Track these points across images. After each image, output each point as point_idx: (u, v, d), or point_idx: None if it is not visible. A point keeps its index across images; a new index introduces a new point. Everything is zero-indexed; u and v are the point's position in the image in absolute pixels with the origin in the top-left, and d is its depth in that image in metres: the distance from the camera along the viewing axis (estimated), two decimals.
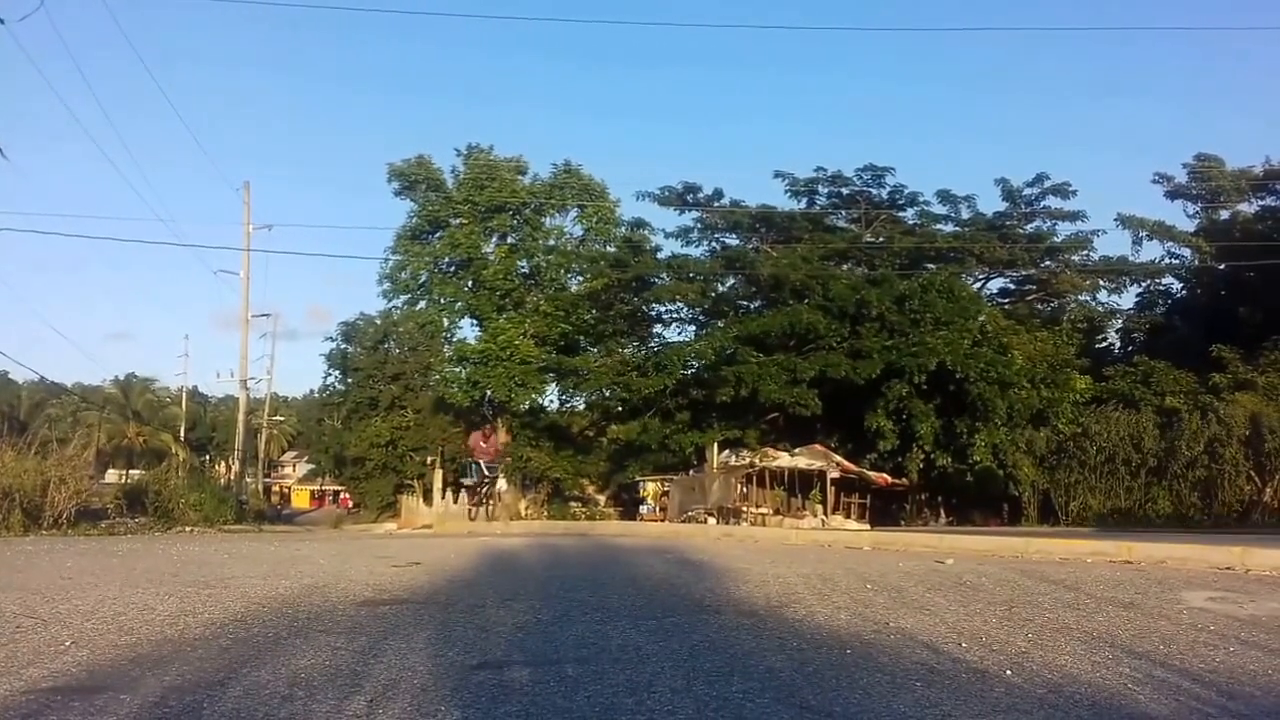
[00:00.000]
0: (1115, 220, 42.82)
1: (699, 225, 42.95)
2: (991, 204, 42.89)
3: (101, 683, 4.19)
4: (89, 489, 21.06)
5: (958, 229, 41.95)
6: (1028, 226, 41.98)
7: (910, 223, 42.80)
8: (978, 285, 42.71)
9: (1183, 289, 45.71)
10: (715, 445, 34.59)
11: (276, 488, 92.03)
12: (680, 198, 42.13)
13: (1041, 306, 43.99)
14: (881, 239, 41.28)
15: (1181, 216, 45.31)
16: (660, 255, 42.13)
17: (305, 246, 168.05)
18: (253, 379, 50.68)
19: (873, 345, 32.81)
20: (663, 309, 42.06)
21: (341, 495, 73.11)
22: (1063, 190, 41.32)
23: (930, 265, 39.24)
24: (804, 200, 43.55)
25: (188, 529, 21.27)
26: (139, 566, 9.39)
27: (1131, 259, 43.06)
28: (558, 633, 5.52)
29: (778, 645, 5.16)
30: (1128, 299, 46.10)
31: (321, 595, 6.92)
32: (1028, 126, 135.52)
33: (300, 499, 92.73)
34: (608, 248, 43.35)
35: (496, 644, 5.19)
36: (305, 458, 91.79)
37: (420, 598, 6.91)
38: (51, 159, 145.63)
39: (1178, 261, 44.21)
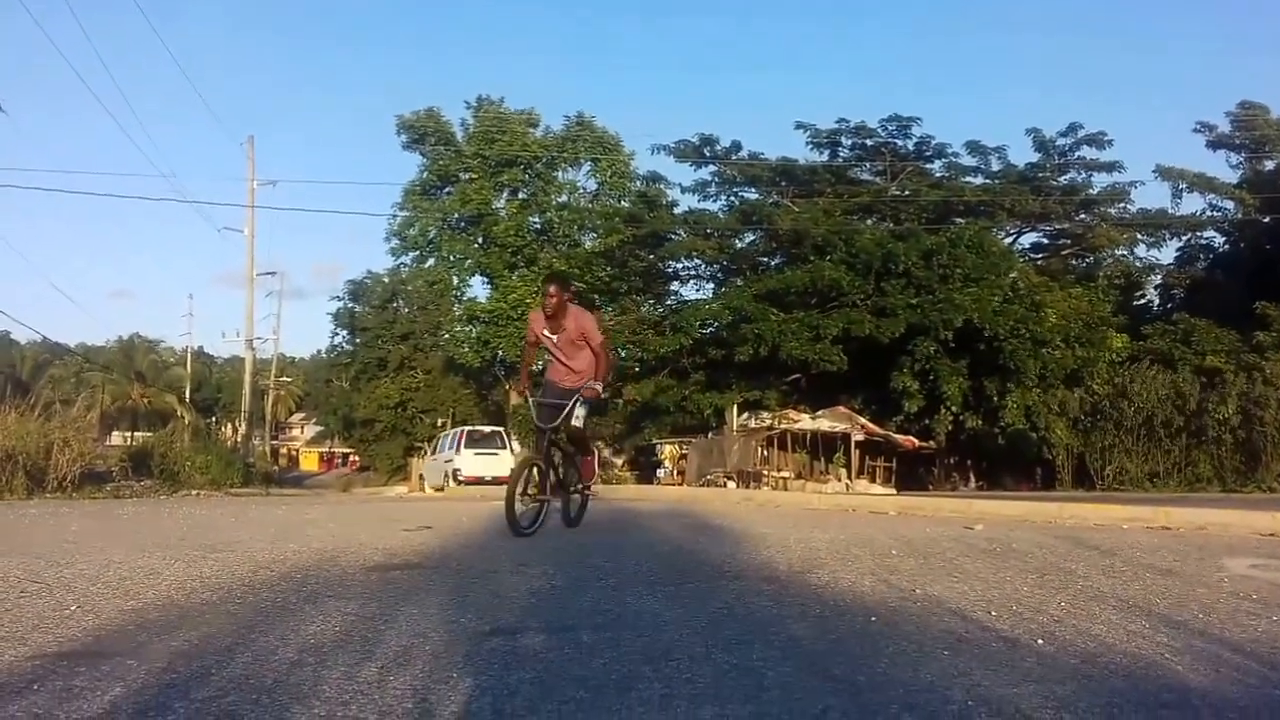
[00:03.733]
0: (1154, 171, 42.40)
1: (716, 179, 42.71)
2: (1023, 155, 42.50)
3: (107, 648, 4.22)
4: (93, 451, 21.20)
5: (988, 181, 41.58)
6: (1061, 178, 41.54)
7: (938, 175, 42.37)
8: (1009, 240, 42.40)
9: (1225, 243, 45.12)
10: (734, 407, 34.58)
11: (284, 450, 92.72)
12: (697, 151, 41.89)
13: (1076, 262, 43.69)
14: (907, 192, 40.92)
15: (1224, 167, 44.88)
16: (677, 210, 42.07)
17: (312, 203, 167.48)
18: (259, 339, 50.80)
19: (898, 302, 32.67)
20: (679, 266, 42.01)
21: (351, 458, 73.62)
22: (1098, 140, 40.81)
23: (959, 219, 38.98)
24: (826, 153, 43.17)
25: (194, 492, 21.44)
26: (145, 530, 9.46)
27: (1171, 212, 42.65)
28: (572, 599, 5.53)
29: (800, 612, 5.15)
30: (1167, 254, 45.70)
31: (331, 560, 6.95)
32: (1060, 74, 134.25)
33: (309, 461, 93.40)
34: (622, 203, 43.31)
35: (510, 610, 5.20)
36: (313, 419, 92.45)
37: (432, 563, 6.93)
38: (53, 115, 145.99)
39: (1220, 214, 43.68)
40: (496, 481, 26.21)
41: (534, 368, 10.51)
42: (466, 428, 34.55)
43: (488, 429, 34.63)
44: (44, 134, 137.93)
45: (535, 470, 8.55)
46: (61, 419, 19.96)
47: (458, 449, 31.35)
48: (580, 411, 8.55)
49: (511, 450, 30.89)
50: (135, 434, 58.69)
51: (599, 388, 8.65)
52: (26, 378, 69.36)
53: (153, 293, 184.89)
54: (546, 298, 8.58)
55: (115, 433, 63.44)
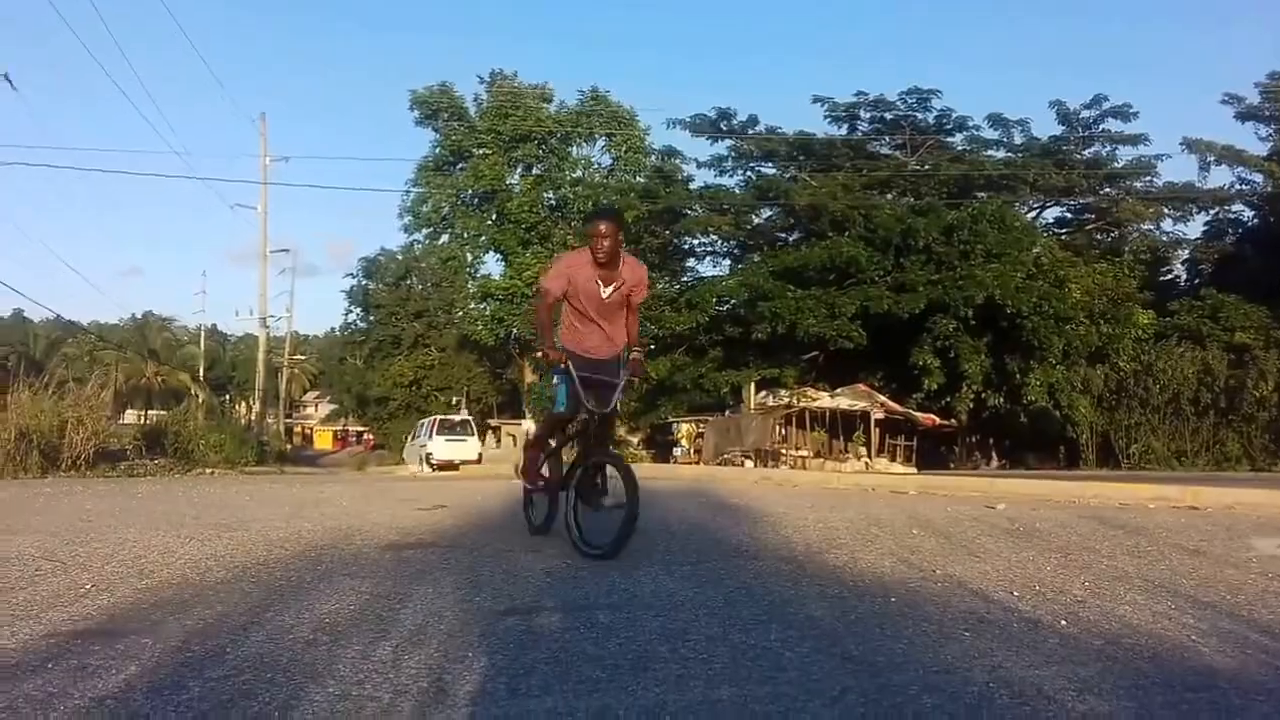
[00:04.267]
0: (1181, 144, 41.93)
1: (733, 154, 42.55)
2: (1046, 128, 42.22)
3: (122, 627, 4.25)
4: (107, 430, 21.42)
5: (1010, 155, 41.30)
6: (1086, 152, 41.28)
7: (959, 149, 42.02)
8: (1032, 215, 42.16)
9: (1254, 217, 44.59)
10: (752, 385, 34.58)
11: (298, 429, 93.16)
12: (713, 125, 41.77)
13: (1101, 237, 43.35)
14: (927, 166, 40.70)
15: (1253, 139, 44.24)
16: (692, 186, 42.01)
17: (324, 180, 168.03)
18: (272, 316, 51.08)
19: (918, 279, 32.53)
20: (695, 242, 42.01)
21: (365, 436, 73.90)
22: (1123, 113, 40.45)
23: (980, 194, 38.81)
24: (844, 126, 42.90)
25: (208, 470, 21.63)
26: (159, 509, 9.52)
27: (1198, 185, 42.15)
28: (588, 578, 5.54)
29: (818, 592, 5.15)
30: (1194, 228, 45.35)
31: (346, 538, 6.99)
32: (1085, 45, 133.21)
33: (323, 440, 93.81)
34: (637, 178, 43.15)
35: (525, 589, 5.21)
36: (327, 398, 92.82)
37: (446, 542, 6.96)
38: (64, 92, 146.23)
39: (1248, 188, 43.15)
40: (465, 463, 30.92)
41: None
42: (439, 417, 38.06)
43: (457, 419, 38.20)
44: (55, 111, 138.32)
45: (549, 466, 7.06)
46: (75, 398, 20.12)
47: (430, 436, 35.04)
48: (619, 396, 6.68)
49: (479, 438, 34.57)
50: (149, 412, 58.90)
51: (643, 357, 6.87)
52: (39, 356, 69.73)
53: (166, 271, 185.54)
54: (598, 239, 6.40)
55: (129, 411, 63.57)
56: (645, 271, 6.91)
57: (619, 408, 6.88)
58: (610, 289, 6.56)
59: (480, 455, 34.41)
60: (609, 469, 6.38)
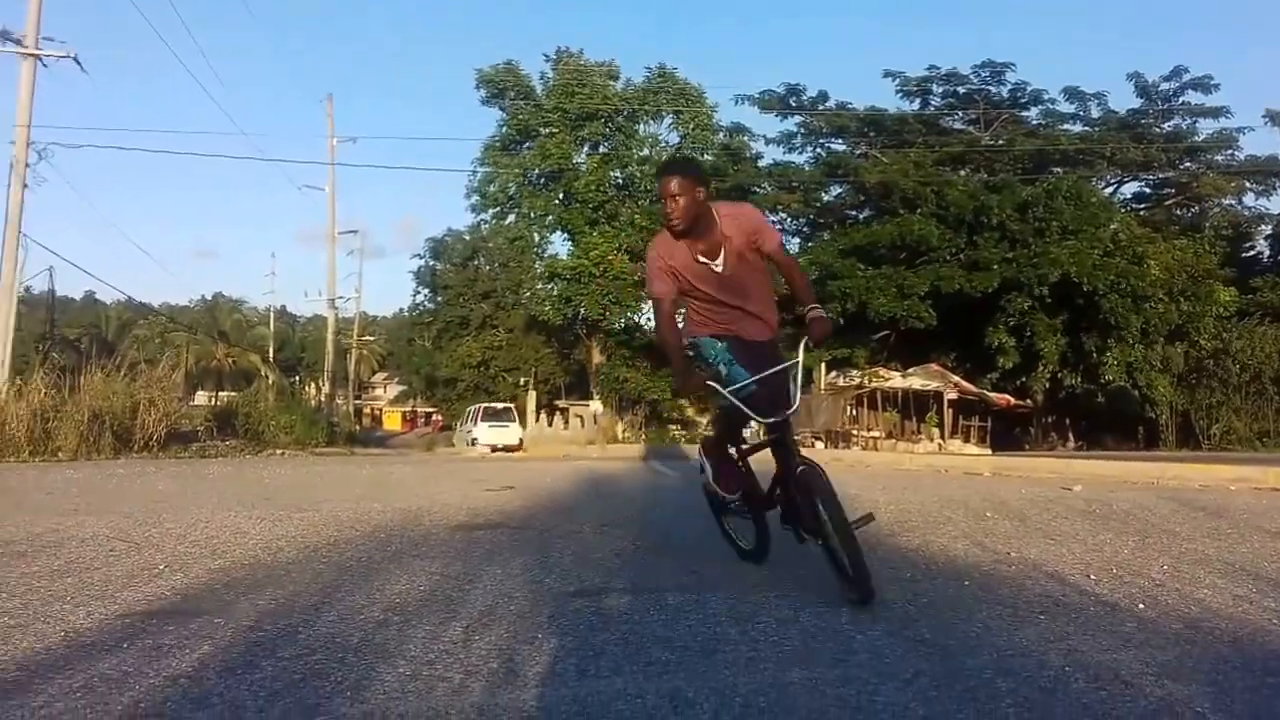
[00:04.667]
0: (1263, 116, 41.06)
1: (802, 130, 42.38)
2: (1124, 101, 41.64)
3: (195, 607, 4.33)
4: (178, 411, 21.76)
5: (1086, 129, 40.71)
6: (1165, 125, 40.59)
7: (1033, 123, 41.49)
8: (1109, 190, 41.53)
9: None
10: (822, 365, 34.41)
11: (368, 410, 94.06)
12: (782, 101, 41.52)
13: (1181, 212, 42.62)
14: (1001, 141, 40.14)
15: None
16: (761, 163, 41.82)
17: (391, 161, 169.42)
18: (341, 297, 51.70)
19: (991, 256, 32.20)
20: None
21: (434, 417, 74.53)
22: (1204, 84, 39.65)
23: (1056, 169, 38.27)
24: (916, 101, 42.57)
25: (279, 451, 21.93)
26: (230, 489, 9.68)
27: None
28: (656, 560, 5.56)
29: (890, 576, 5.12)
30: (1278, 202, 44.37)
31: (415, 519, 7.07)
32: (1164, 15, 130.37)
33: (392, 421, 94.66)
34: (705, 156, 42.93)
35: (594, 571, 5.24)
36: (396, 379, 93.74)
37: (515, 523, 7.01)
38: (133, 74, 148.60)
39: None
40: (507, 450, 32.19)
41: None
42: (484, 405, 40.01)
43: (500, 406, 39.95)
44: (124, 93, 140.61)
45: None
46: (147, 379, 20.43)
47: (476, 422, 37.28)
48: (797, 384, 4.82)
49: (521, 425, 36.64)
50: (220, 394, 60.03)
51: (826, 314, 4.72)
52: (111, 338, 71.08)
53: (235, 252, 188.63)
54: (667, 202, 4.70)
55: (200, 392, 64.82)
56: (751, 210, 5.08)
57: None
58: (721, 259, 4.81)
59: (521, 441, 35.19)
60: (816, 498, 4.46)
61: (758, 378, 4.65)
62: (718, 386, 4.55)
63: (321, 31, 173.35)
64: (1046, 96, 41.47)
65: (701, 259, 4.79)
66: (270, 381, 38.69)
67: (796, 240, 42.44)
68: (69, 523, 6.64)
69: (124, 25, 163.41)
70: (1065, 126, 41.00)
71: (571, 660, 3.51)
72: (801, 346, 4.59)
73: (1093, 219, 33.27)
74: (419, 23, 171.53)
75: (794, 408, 4.56)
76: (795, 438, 4.79)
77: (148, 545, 5.88)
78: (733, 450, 5.25)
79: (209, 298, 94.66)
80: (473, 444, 35.37)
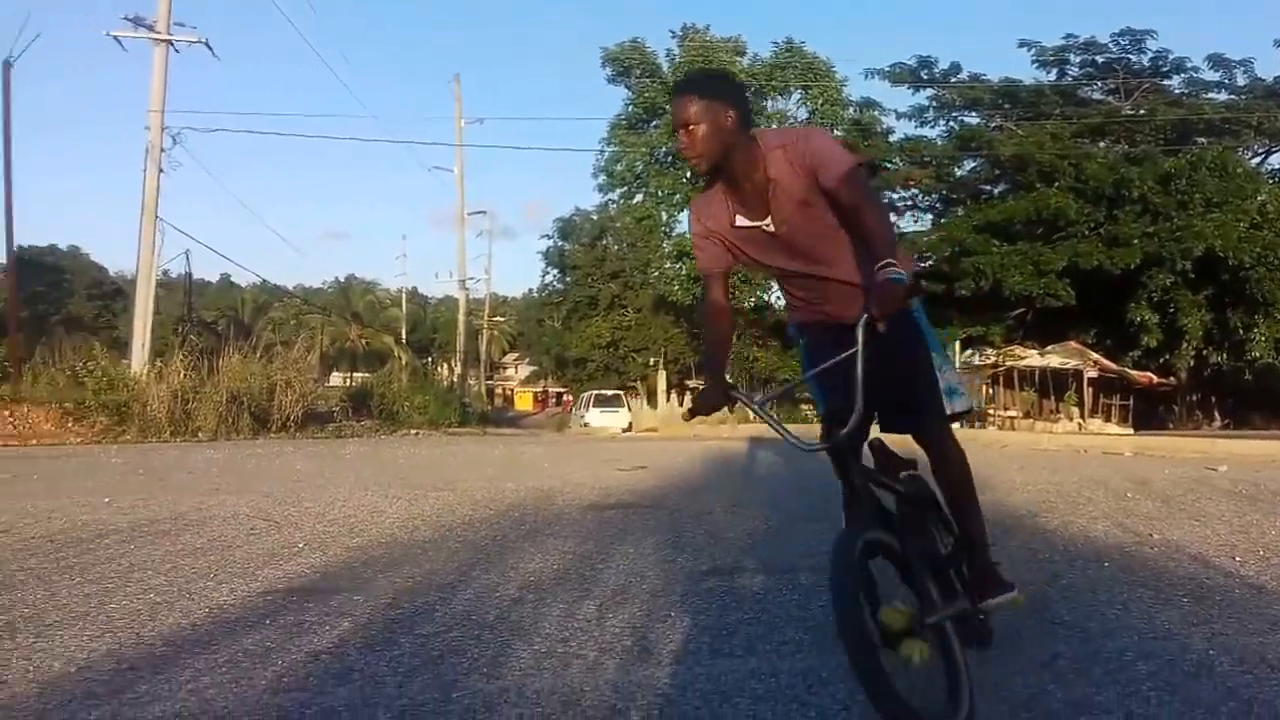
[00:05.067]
0: None
1: (934, 104, 41.56)
2: (1271, 68, 39.83)
3: (334, 584, 4.46)
4: (314, 392, 22.30)
5: (1232, 98, 39.12)
6: None
7: (1176, 92, 39.99)
8: (1256, 160, 39.95)
9: None
10: (957, 344, 33.82)
11: (499, 390, 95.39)
12: (914, 74, 40.84)
13: None
14: (1142, 111, 38.79)
15: None
16: (892, 138, 41.24)
17: (518, 141, 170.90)
18: (471, 278, 52.52)
19: (1132, 231, 31.30)
20: (895, 196, 41.14)
21: (565, 397, 75.27)
22: None
23: (1200, 140, 36.99)
24: (1053, 72, 41.38)
25: (413, 431, 22.37)
26: (367, 469, 9.93)
27: None
28: (788, 540, 5.55)
29: (1028, 557, 5.05)
30: None
31: (548, 499, 7.17)
32: None
33: (523, 401, 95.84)
34: (835, 132, 42.41)
35: (727, 550, 5.26)
36: (527, 359, 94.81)
37: (647, 502, 7.05)
38: (262, 58, 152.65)
39: None
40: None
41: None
42: (595, 391, 41.50)
43: (609, 393, 41.13)
44: (254, 77, 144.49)
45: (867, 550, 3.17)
46: (283, 360, 21.00)
47: (588, 408, 38.94)
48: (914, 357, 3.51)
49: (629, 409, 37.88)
50: (354, 375, 61.44)
51: (900, 272, 2.92)
52: (248, 320, 73.20)
53: (366, 234, 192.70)
54: (682, 131, 3.21)
55: (334, 373, 66.33)
56: (805, 134, 3.28)
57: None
58: (772, 214, 3.26)
59: (630, 424, 35.84)
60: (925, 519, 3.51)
61: (780, 390, 3.37)
62: (744, 399, 3.27)
63: (448, 11, 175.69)
64: (1190, 64, 39.99)
65: (742, 219, 3.31)
66: (404, 362, 39.54)
67: (929, 216, 41.86)
68: (211, 502, 6.88)
69: (252, 8, 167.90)
70: (1209, 95, 39.47)
71: (705, 639, 3.53)
72: (860, 327, 2.87)
73: (1239, 191, 32.09)
74: (545, 1, 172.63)
75: (855, 417, 2.92)
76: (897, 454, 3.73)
77: (287, 524, 6.07)
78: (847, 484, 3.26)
79: (341, 280, 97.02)
80: (584, 428, 36.63)
